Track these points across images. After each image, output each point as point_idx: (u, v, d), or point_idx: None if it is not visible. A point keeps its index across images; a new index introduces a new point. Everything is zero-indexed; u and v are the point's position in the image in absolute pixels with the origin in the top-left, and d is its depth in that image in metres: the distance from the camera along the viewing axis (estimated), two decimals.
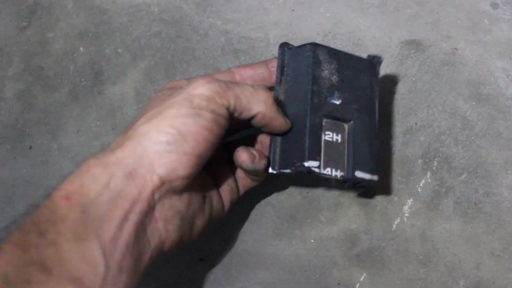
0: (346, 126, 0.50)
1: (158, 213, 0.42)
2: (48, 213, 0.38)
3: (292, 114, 0.51)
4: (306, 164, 0.47)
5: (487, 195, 0.57)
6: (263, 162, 0.48)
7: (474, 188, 0.57)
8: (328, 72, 0.50)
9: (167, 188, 0.41)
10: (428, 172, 0.58)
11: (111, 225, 0.38)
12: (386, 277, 0.55)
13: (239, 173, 0.53)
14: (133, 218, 0.39)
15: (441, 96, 0.61)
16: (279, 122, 0.48)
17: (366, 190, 0.58)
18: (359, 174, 0.49)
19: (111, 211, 0.38)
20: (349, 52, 0.53)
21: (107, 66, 0.65)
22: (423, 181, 0.58)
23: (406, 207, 0.57)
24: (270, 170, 0.50)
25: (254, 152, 0.47)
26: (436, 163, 0.59)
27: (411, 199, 0.57)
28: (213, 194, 0.49)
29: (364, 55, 0.53)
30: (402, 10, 0.65)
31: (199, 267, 0.57)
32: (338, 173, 0.49)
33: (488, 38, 0.63)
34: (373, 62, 0.53)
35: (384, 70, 0.62)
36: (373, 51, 0.63)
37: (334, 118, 0.50)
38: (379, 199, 0.58)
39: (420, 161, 0.59)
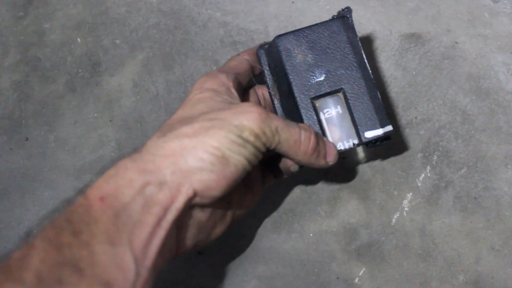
0: (340, 95, 0.50)
1: (179, 222, 0.42)
2: (82, 213, 0.38)
3: (289, 110, 0.51)
4: None
5: (486, 190, 0.57)
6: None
7: (474, 183, 0.57)
8: (301, 55, 0.50)
9: (196, 202, 0.42)
10: (428, 166, 0.58)
11: (144, 231, 0.38)
12: (385, 272, 0.55)
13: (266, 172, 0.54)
14: (165, 225, 0.39)
15: (441, 90, 0.61)
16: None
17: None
18: (369, 134, 0.49)
19: (144, 217, 0.39)
20: (315, 23, 0.52)
21: (104, 57, 0.64)
22: (422, 175, 0.58)
23: (405, 202, 0.57)
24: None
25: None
26: (436, 157, 0.58)
27: (411, 194, 0.57)
28: (240, 200, 0.50)
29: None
30: (403, 3, 0.64)
31: (197, 260, 0.56)
32: (350, 143, 0.49)
33: (488, 32, 0.63)
34: (344, 16, 0.52)
35: (384, 63, 0.62)
36: (373, 44, 0.62)
37: (325, 94, 0.50)
38: (378, 193, 0.58)
39: (420, 155, 0.58)
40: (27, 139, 0.62)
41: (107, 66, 0.64)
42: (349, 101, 0.49)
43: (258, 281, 0.56)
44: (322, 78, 0.50)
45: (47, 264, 0.35)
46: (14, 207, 0.59)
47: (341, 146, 0.49)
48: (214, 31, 0.64)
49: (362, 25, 0.63)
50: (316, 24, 0.51)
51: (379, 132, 0.48)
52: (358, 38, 0.51)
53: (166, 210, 0.40)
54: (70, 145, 0.61)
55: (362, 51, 0.51)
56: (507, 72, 0.61)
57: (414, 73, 0.61)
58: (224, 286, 0.56)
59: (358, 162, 0.59)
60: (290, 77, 0.50)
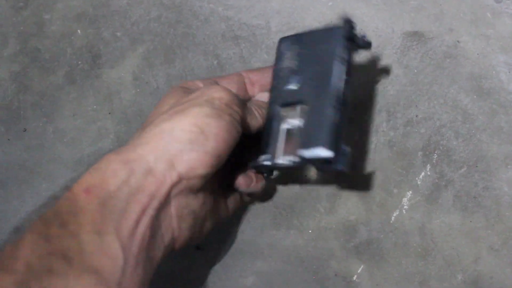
0: (302, 108, 0.47)
1: (174, 210, 0.43)
2: (69, 205, 0.39)
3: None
4: (259, 159, 0.48)
5: (487, 189, 0.57)
6: (261, 185, 0.51)
7: (474, 182, 0.57)
8: (288, 60, 0.49)
9: (184, 186, 0.42)
10: (428, 165, 0.58)
11: (129, 220, 0.39)
12: (384, 270, 0.55)
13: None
14: (150, 213, 0.40)
15: (443, 89, 0.60)
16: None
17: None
18: (305, 152, 0.44)
19: (129, 205, 0.39)
20: (319, 28, 0.50)
21: (105, 49, 0.64)
22: (422, 173, 0.58)
23: (405, 200, 0.57)
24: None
25: (252, 176, 0.50)
26: (436, 156, 0.58)
27: (411, 192, 0.57)
28: (221, 202, 0.51)
29: None
30: (406, 1, 0.64)
31: (195, 255, 0.56)
32: (291, 158, 0.46)
33: (491, 32, 0.62)
34: (344, 23, 0.47)
35: (386, 61, 0.62)
36: (375, 41, 0.62)
37: (292, 103, 0.48)
38: (378, 191, 0.57)
39: (420, 153, 0.58)
40: (25, 130, 0.61)
41: (107, 58, 0.63)
42: (309, 118, 0.46)
43: (256, 277, 0.55)
44: (296, 87, 0.48)
45: (36, 255, 0.36)
46: (11, 199, 0.59)
47: (282, 160, 0.46)
48: (216, 25, 0.64)
49: (365, 22, 0.63)
50: (316, 29, 0.49)
51: (315, 153, 0.43)
52: (349, 52, 0.47)
53: (151, 197, 0.40)
54: (68, 137, 0.61)
55: (344, 68, 0.46)
56: (509, 72, 0.61)
57: (415, 71, 0.61)
58: (222, 282, 0.56)
59: (309, 179, 0.58)
60: (273, 80, 0.50)
